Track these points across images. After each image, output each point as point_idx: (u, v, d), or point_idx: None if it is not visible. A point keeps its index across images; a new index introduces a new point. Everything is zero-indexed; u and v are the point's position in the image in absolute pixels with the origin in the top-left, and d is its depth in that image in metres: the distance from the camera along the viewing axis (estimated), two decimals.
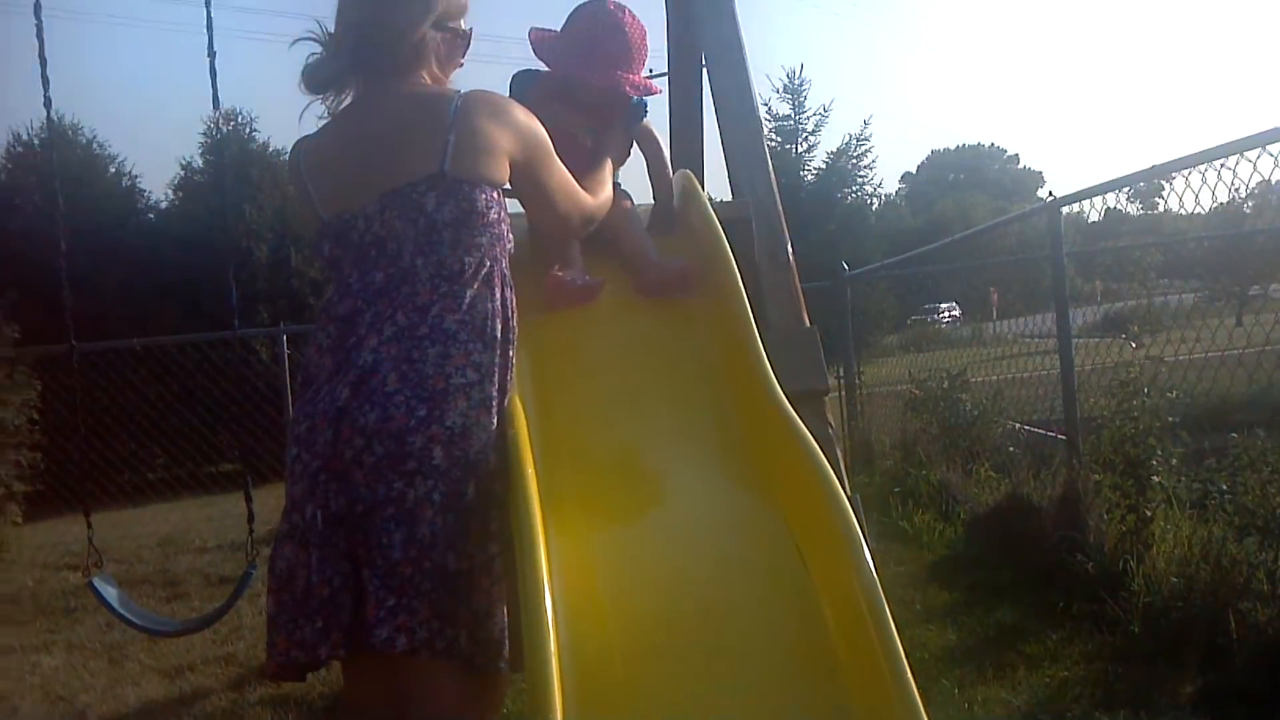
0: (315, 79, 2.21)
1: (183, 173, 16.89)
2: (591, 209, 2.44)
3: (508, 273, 2.18)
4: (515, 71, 2.72)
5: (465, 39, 2.30)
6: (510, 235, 2.20)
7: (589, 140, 2.71)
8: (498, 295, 2.11)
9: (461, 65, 2.34)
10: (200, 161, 16.72)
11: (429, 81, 2.21)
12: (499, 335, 2.08)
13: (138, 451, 11.85)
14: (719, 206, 2.98)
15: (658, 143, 2.86)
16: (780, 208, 3.27)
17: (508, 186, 2.20)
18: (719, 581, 1.99)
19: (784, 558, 2.01)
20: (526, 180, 2.23)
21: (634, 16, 2.65)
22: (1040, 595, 4.56)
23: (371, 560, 1.89)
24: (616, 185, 2.73)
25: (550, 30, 2.71)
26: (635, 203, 2.82)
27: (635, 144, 2.83)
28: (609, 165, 2.67)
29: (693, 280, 2.61)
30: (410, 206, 2.06)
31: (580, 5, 2.69)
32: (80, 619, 6.04)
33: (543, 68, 2.71)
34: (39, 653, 5.42)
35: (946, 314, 22.29)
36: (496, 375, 2.06)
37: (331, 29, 2.22)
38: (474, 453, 1.97)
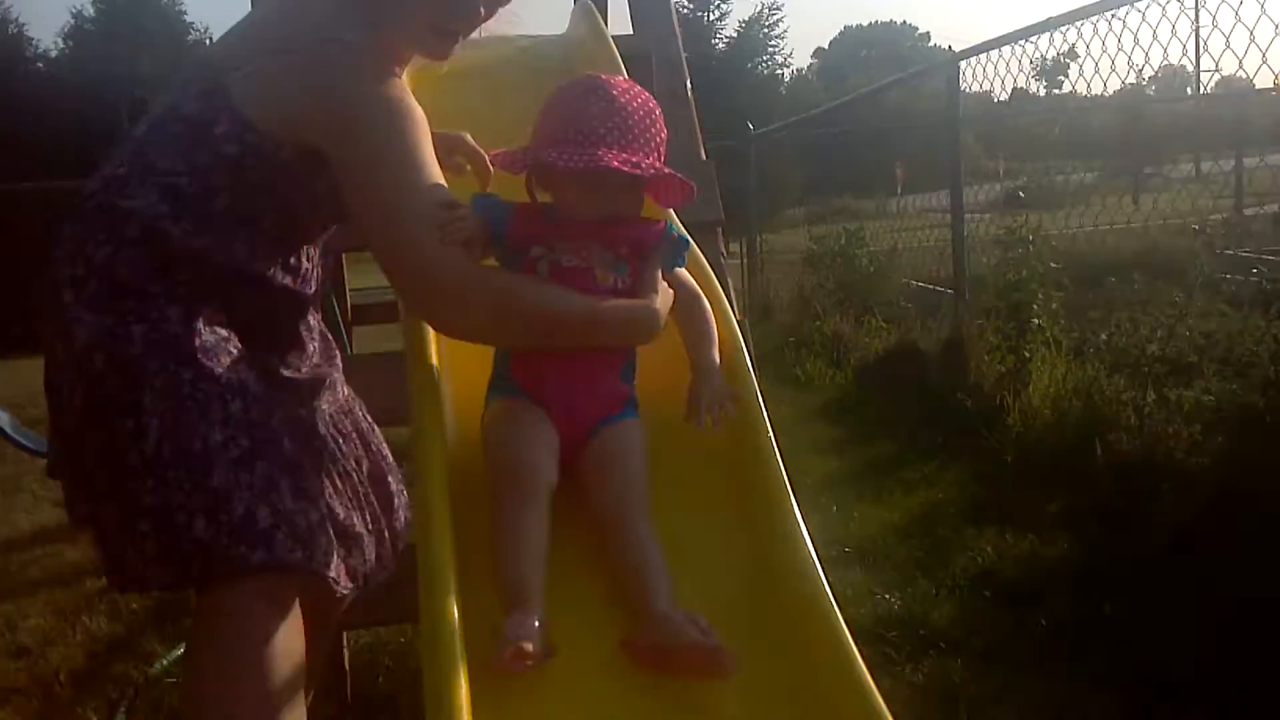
0: None
1: (73, 21, 16.24)
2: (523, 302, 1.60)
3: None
4: (473, 195, 1.72)
5: None
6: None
7: (613, 277, 1.70)
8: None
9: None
10: (92, 10, 16.06)
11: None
12: None
13: (26, 302, 11.53)
14: (617, 40, 2.92)
15: (695, 294, 1.82)
16: (680, 43, 3.25)
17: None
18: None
19: None
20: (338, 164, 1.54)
21: (630, 82, 1.76)
22: (921, 431, 4.75)
23: None
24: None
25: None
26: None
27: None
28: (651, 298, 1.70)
29: (728, 664, 1.45)
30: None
31: None
32: None
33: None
34: None
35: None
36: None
37: None
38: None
